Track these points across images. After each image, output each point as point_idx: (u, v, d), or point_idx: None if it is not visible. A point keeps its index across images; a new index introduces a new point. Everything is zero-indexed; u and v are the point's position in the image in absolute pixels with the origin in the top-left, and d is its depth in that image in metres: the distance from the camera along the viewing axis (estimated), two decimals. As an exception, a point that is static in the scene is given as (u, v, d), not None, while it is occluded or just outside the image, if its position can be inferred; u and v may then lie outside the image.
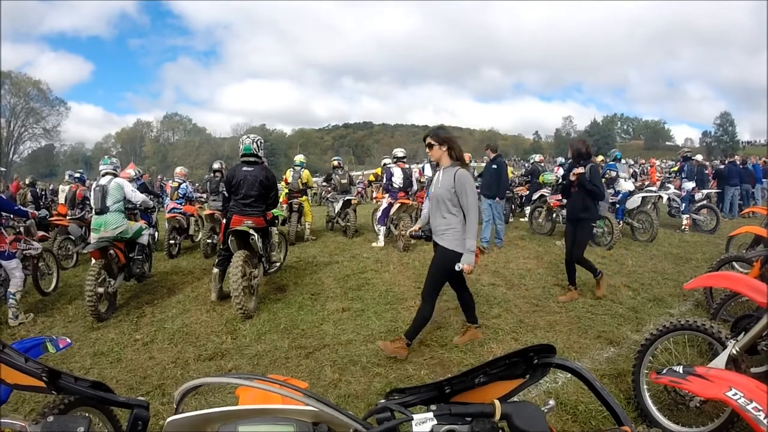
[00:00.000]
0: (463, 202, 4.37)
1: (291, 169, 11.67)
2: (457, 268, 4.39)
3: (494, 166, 9.58)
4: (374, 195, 15.62)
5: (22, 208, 7.20)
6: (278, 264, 7.51)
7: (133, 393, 4.12)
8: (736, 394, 2.26)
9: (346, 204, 12.25)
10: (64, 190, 11.29)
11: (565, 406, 3.62)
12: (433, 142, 4.50)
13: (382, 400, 1.09)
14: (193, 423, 0.99)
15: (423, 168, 12.06)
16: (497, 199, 9.64)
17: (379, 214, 10.56)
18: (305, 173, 11.65)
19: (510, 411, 0.97)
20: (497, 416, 0.97)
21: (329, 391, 4.05)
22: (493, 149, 10.00)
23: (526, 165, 20.46)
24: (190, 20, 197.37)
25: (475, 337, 4.99)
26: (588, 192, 6.19)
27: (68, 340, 2.99)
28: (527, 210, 13.28)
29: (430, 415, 0.98)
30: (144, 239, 7.08)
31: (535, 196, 12.98)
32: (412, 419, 0.97)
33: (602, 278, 6.45)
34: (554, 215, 11.26)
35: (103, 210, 6.52)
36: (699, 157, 14.62)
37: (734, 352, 3.00)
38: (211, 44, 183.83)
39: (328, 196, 13.43)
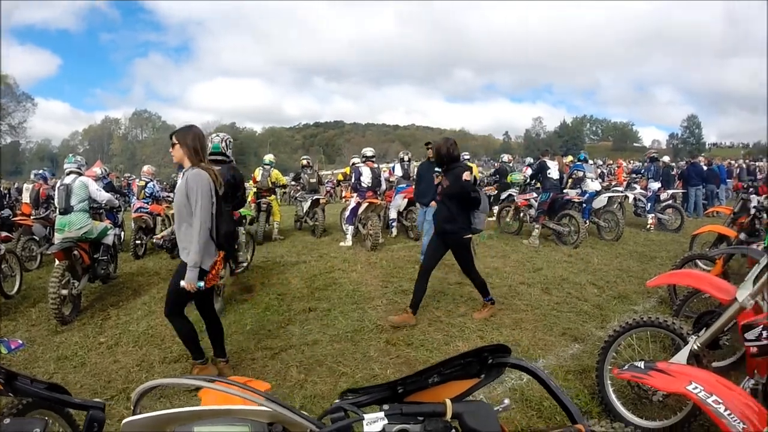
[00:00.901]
0: (191, 204, 3.83)
1: (260, 168, 11.60)
2: (181, 284, 3.87)
3: (438, 170, 8.16)
4: (343, 194, 15.61)
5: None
6: (245, 264, 7.46)
7: (98, 397, 4.01)
8: (696, 387, 2.28)
9: (315, 203, 12.19)
10: (28, 189, 11.06)
11: (531, 402, 3.65)
12: (175, 141, 3.98)
13: (337, 400, 1.09)
14: (150, 424, 1.00)
15: (393, 168, 12.02)
16: (433, 204, 8.05)
17: (347, 213, 10.52)
18: (274, 172, 11.58)
19: (462, 410, 0.99)
20: (449, 415, 0.99)
21: (295, 392, 4.01)
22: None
23: (495, 165, 20.63)
24: (163, 16, 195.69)
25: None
26: (461, 201, 5.38)
27: (20, 341, 2.89)
28: (495, 209, 13.36)
29: (381, 414, 0.99)
30: (109, 240, 6.95)
31: (503, 196, 13.08)
32: (363, 419, 0.97)
33: (489, 307, 5.65)
34: (522, 214, 11.34)
35: (67, 210, 6.39)
36: (666, 159, 14.91)
37: (696, 347, 3.03)
38: (183, 40, 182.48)
39: (297, 195, 13.38)
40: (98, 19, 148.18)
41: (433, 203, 7.61)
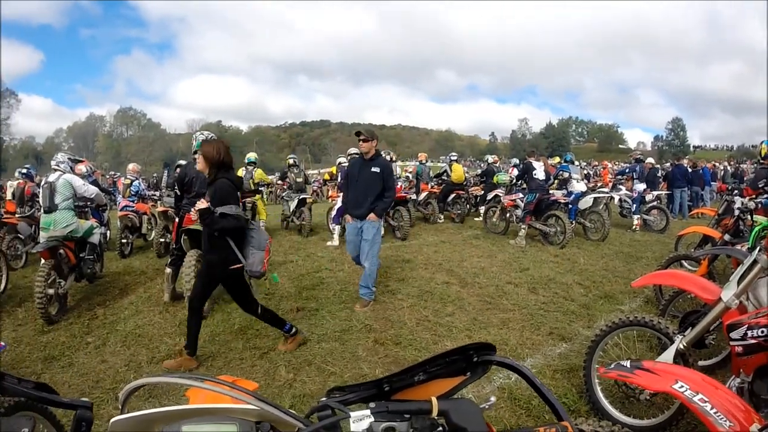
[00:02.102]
0: None
1: (243, 168, 11.55)
2: None
3: (375, 170, 6.19)
4: (329, 193, 15.59)
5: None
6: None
7: (86, 397, 3.99)
8: (682, 386, 2.30)
9: (301, 203, 12.16)
10: (12, 186, 10.97)
11: (519, 400, 3.65)
12: None
13: (323, 398, 1.09)
14: (137, 423, 1.00)
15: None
16: (372, 217, 6.16)
17: (333, 212, 10.52)
18: (258, 172, 11.55)
19: (447, 408, 1.01)
20: (434, 413, 1.00)
21: (284, 392, 4.01)
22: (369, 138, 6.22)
23: (482, 165, 20.69)
24: (145, 11, 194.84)
25: None
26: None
27: (2, 343, 2.88)
28: (482, 209, 13.42)
29: (368, 412, 1.00)
30: (95, 238, 6.87)
31: (490, 196, 13.12)
32: (350, 416, 0.98)
33: (291, 339, 4.88)
34: (508, 215, 11.36)
35: (51, 208, 6.30)
36: (650, 160, 15.03)
37: (682, 346, 3.07)
38: (165, 37, 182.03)
39: (283, 194, 13.34)
40: (80, 14, 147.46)
41: (372, 216, 6.19)
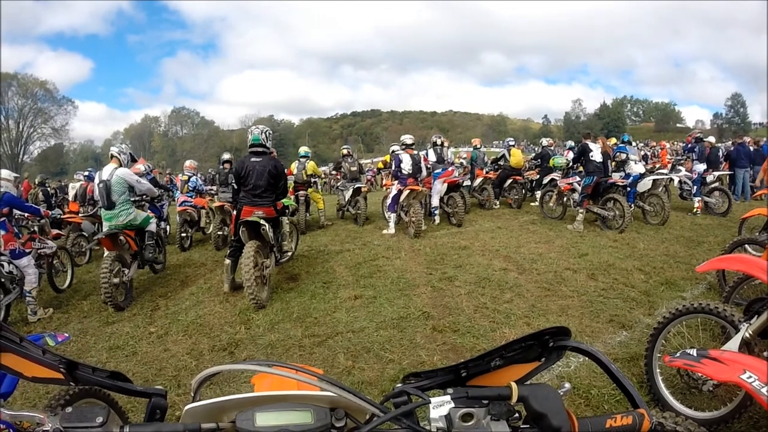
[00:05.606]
0: None
1: (297, 161, 11.71)
2: None
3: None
4: (384, 182, 15.61)
5: (34, 205, 7.32)
6: (290, 253, 7.53)
7: (149, 385, 4.15)
8: (750, 377, 2.24)
9: (356, 192, 12.29)
10: (74, 188, 11.46)
11: (578, 390, 3.61)
12: None
13: (399, 384, 1.09)
14: (211, 410, 1.00)
15: (426, 153, 11.86)
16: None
17: (388, 201, 10.55)
18: (310, 164, 11.68)
19: (527, 393, 0.98)
20: (514, 399, 0.98)
21: (343, 378, 4.06)
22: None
23: (536, 149, 20.32)
24: (186, 15, 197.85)
25: None
26: None
27: (66, 334, 3.01)
28: (538, 194, 13.24)
29: (448, 398, 0.98)
30: (152, 226, 7.21)
31: (546, 180, 12.95)
32: (430, 402, 0.97)
33: None
34: (565, 199, 11.19)
35: (110, 206, 6.61)
36: (711, 139, 14.45)
37: (747, 335, 2.96)
38: (208, 37, 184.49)
39: (338, 184, 13.47)
40: (124, 22, 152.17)
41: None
